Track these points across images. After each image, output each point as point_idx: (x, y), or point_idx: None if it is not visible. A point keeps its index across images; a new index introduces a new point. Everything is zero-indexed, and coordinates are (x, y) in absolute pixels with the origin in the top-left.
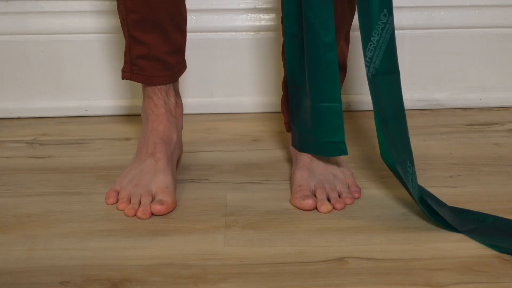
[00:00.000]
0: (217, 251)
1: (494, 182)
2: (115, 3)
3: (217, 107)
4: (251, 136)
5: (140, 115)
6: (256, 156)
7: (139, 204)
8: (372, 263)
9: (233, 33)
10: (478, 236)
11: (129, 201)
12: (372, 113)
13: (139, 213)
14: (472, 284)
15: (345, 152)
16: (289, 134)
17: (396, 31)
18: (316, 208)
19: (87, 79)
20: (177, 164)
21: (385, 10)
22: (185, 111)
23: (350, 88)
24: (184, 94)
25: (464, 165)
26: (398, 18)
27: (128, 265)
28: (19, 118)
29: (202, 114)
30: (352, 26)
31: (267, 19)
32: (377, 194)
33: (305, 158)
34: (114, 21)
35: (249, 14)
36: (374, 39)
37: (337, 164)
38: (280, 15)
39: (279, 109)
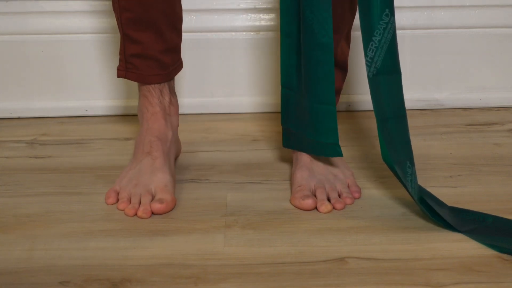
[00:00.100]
0: (217, 251)
1: (494, 182)
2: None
3: (217, 107)
4: (251, 136)
5: None
6: (256, 156)
7: (139, 204)
8: (372, 263)
9: (233, 33)
10: (478, 236)
11: (129, 201)
12: (373, 113)
13: (139, 213)
14: (472, 284)
15: (340, 154)
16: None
17: (396, 31)
18: (316, 208)
19: (87, 79)
20: (175, 162)
21: (387, 10)
22: (185, 111)
23: (350, 88)
24: (184, 94)
25: (464, 165)
26: (399, 18)
27: (128, 265)
28: (19, 118)
29: (202, 114)
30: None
31: (267, 19)
32: (377, 194)
33: (305, 158)
34: (114, 21)
35: (249, 14)
36: (375, 39)
37: (337, 164)
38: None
39: (279, 109)
